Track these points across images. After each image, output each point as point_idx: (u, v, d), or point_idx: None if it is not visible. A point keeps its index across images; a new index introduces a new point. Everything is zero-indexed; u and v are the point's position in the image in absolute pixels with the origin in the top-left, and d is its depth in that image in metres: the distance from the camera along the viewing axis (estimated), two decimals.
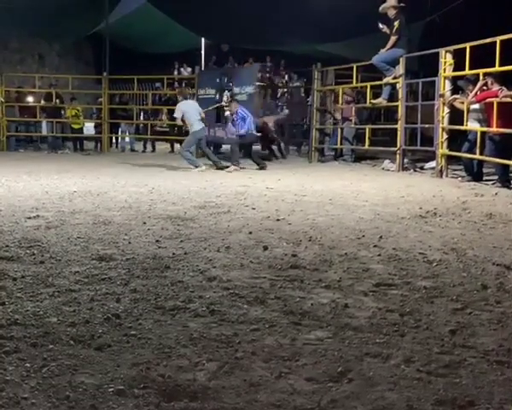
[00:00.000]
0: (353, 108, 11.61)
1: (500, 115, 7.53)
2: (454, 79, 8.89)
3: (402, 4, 9.87)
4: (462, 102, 8.45)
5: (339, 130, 11.57)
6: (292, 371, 2.20)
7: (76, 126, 14.41)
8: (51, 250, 3.95)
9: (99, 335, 2.51)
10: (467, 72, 8.30)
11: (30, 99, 14.94)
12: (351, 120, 11.57)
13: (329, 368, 2.22)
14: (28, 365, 2.20)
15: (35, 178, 8.25)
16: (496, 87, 7.72)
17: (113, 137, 15.39)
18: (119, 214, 5.36)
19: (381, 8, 9.96)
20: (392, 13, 9.91)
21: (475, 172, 8.33)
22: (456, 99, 8.68)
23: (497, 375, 2.18)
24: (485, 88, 8.00)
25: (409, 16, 10.13)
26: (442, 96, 8.78)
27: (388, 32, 10.11)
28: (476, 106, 8.31)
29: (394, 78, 10.07)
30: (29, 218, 5.12)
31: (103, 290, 3.12)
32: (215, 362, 2.26)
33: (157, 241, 4.29)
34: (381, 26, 10.09)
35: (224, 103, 11.72)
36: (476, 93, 8.00)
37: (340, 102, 11.54)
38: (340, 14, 12.80)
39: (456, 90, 8.90)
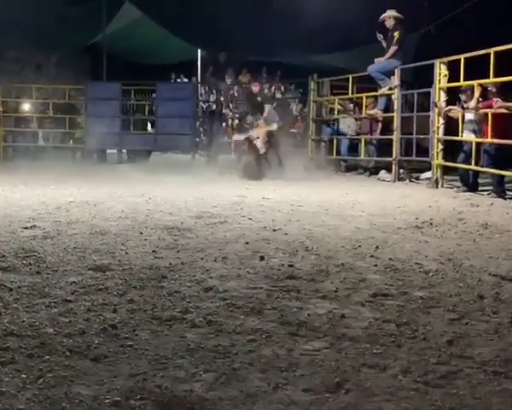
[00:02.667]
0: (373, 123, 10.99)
1: (495, 126, 7.56)
2: (449, 90, 8.95)
3: (401, 16, 9.97)
4: (460, 109, 8.47)
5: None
6: (289, 382, 2.19)
7: (78, 135, 14.61)
8: (48, 260, 3.94)
9: (95, 346, 2.50)
10: (462, 83, 8.36)
11: (26, 108, 15.02)
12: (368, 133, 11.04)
13: (326, 379, 2.21)
14: (24, 376, 2.19)
15: (31, 188, 8.23)
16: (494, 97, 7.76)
17: None
18: (116, 224, 5.36)
19: (381, 17, 10.06)
20: (390, 23, 10.02)
21: (471, 183, 8.36)
22: (451, 110, 8.73)
23: (494, 385, 2.18)
24: (480, 99, 8.05)
25: (404, 27, 10.23)
26: (436, 105, 8.82)
27: (385, 43, 10.20)
28: (471, 117, 8.36)
29: (389, 89, 10.13)
30: (25, 228, 5.10)
31: (100, 301, 3.11)
32: (212, 373, 2.25)
33: (154, 251, 4.28)
34: (378, 35, 10.17)
35: None
36: (478, 100, 8.01)
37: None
38: (336, 26, 12.87)
39: (451, 100, 8.95)
